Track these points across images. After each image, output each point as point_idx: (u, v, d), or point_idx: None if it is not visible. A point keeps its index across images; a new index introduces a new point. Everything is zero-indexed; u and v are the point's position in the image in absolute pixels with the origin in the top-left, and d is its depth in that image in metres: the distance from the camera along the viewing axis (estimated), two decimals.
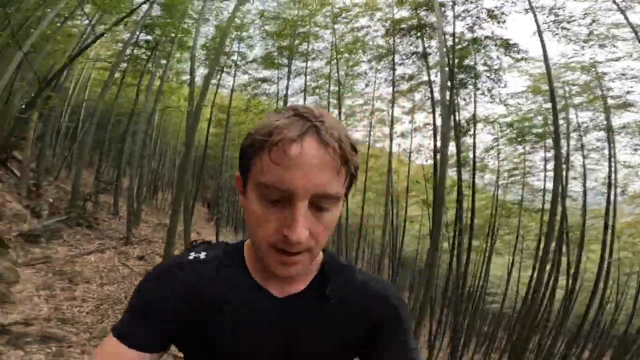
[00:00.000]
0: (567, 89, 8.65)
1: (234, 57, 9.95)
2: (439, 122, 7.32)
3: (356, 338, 0.62)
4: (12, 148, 8.78)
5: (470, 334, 10.02)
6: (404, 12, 7.77)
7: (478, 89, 8.20)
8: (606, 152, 8.33)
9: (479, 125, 9.36)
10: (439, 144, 7.07)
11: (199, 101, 6.49)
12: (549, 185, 8.90)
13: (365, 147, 11.20)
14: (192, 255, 0.61)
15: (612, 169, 8.11)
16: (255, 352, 0.59)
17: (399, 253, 12.55)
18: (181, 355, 0.64)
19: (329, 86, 9.05)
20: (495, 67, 7.88)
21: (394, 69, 8.29)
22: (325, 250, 0.65)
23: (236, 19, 8.50)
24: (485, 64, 7.87)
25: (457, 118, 7.63)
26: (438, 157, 7.12)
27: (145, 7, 8.20)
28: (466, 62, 7.74)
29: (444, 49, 5.83)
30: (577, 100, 8.76)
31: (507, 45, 7.44)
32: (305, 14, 8.01)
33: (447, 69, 6.29)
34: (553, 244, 7.27)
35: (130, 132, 10.04)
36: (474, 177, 8.53)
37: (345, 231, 11.30)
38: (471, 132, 8.55)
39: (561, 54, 8.19)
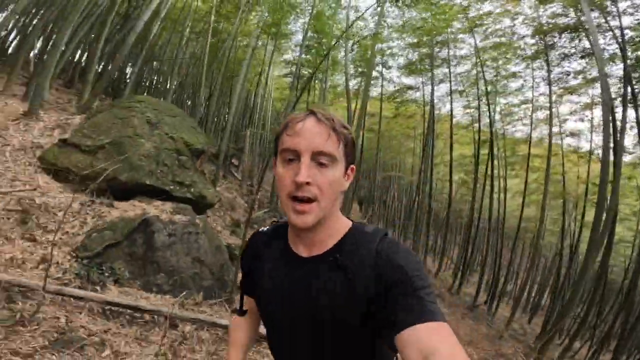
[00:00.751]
0: None
1: (379, 68, 11.03)
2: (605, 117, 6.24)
3: (365, 302, 0.66)
4: (233, 157, 12.74)
5: None
6: (554, 9, 6.90)
7: None
8: None
9: None
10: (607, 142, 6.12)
11: (359, 110, 7.89)
12: None
13: (526, 145, 10.21)
14: (263, 229, 0.88)
15: None
16: (279, 298, 0.77)
17: (575, 262, 10.82)
18: None
19: (477, 89, 8.91)
20: None
21: (549, 68, 7.44)
22: (355, 222, 0.80)
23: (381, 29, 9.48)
24: None
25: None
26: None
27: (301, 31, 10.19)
28: None
29: (617, 44, 5.15)
30: None
31: None
32: (441, 24, 8.20)
33: (622, 63, 5.44)
34: None
35: None
36: None
37: (500, 230, 10.71)
38: None
39: None
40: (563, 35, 7.18)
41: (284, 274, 0.77)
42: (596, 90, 8.38)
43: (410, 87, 10.94)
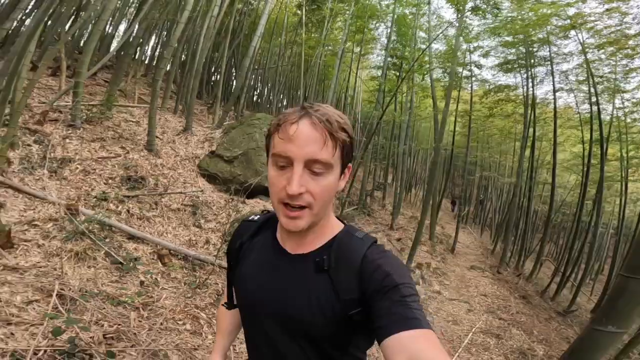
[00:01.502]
0: None
1: (470, 67, 10.78)
2: None
3: (345, 306, 0.66)
4: None
5: None
6: None
7: None
8: None
9: None
10: None
11: (443, 110, 8.19)
12: None
13: None
14: (253, 217, 0.87)
15: None
16: (257, 292, 0.75)
17: None
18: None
19: (589, 85, 8.10)
20: None
21: None
22: (347, 224, 0.79)
23: (466, 32, 9.34)
24: None
25: None
26: None
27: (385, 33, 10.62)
28: None
29: None
30: None
31: None
32: (536, 23, 7.68)
33: None
34: None
35: (394, 137, 13.30)
36: None
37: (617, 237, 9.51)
38: None
39: None
40: None
41: (267, 267, 0.77)
42: None
43: (506, 86, 10.41)
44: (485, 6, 7.42)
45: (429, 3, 9.95)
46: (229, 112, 9.18)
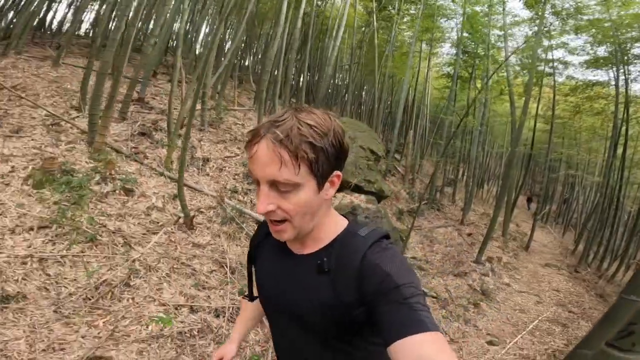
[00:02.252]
0: None
1: (553, 64, 10.34)
2: None
3: (345, 307, 0.67)
4: (396, 152, 14.50)
5: None
6: None
7: None
8: None
9: None
10: None
11: (522, 110, 8.29)
12: None
13: None
14: None
15: None
16: (268, 289, 0.82)
17: None
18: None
19: None
20: None
21: None
22: (351, 221, 0.78)
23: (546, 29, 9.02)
24: None
25: None
26: None
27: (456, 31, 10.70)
28: None
29: None
30: None
31: None
32: (626, 21, 7.20)
33: None
34: None
35: (466, 133, 13.33)
36: None
37: None
38: None
39: None
40: None
41: (275, 266, 0.81)
42: None
43: (595, 84, 9.79)
44: (565, 13, 7.27)
45: (504, 2, 9.86)
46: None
